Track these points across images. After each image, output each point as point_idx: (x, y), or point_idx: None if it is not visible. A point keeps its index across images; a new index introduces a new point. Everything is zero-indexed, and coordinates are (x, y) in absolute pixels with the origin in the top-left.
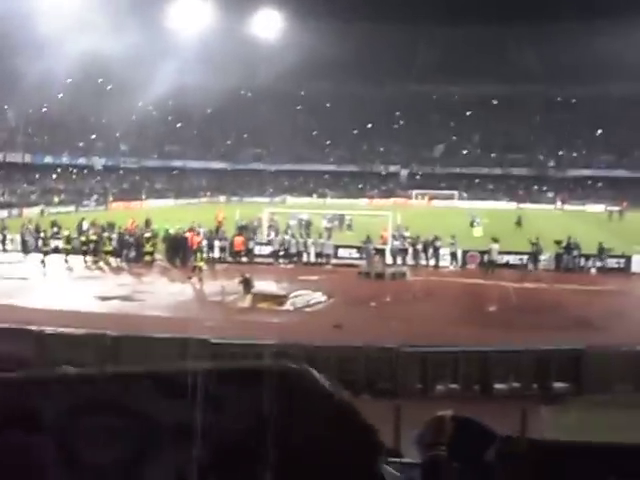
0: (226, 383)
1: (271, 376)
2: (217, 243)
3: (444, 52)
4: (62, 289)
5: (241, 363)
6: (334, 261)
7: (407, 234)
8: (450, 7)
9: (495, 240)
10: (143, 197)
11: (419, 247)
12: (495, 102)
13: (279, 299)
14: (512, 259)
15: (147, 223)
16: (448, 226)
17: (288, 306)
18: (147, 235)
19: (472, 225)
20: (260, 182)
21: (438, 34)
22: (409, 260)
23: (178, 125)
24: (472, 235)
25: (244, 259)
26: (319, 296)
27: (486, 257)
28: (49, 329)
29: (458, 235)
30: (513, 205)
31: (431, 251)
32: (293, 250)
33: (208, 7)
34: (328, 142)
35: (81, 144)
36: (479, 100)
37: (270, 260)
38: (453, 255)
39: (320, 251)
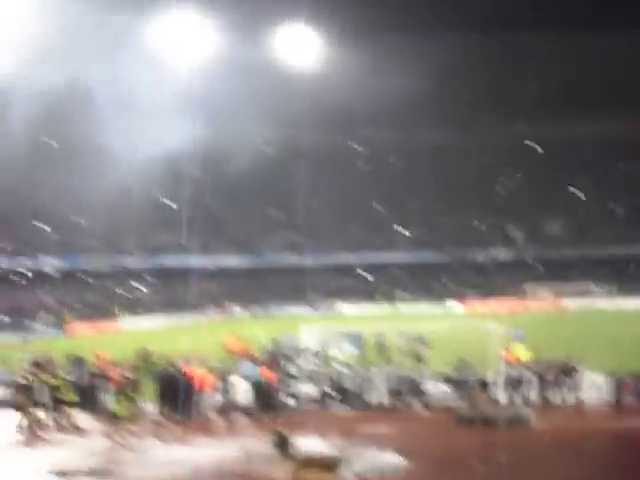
0: None
1: None
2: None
3: (563, 79)
4: None
5: None
6: (415, 401)
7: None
8: None
9: None
10: (120, 314)
11: (547, 375)
12: None
13: (332, 464)
14: None
15: (135, 356)
16: (585, 339)
17: (346, 474)
18: (129, 375)
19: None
20: (297, 284)
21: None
22: (533, 396)
23: (167, 203)
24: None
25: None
26: (392, 458)
27: None
28: None
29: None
30: None
31: (565, 381)
32: (350, 386)
33: (208, 27)
34: (397, 217)
35: (23, 239)
36: (628, 143)
37: (315, 405)
38: (596, 385)
39: (394, 387)
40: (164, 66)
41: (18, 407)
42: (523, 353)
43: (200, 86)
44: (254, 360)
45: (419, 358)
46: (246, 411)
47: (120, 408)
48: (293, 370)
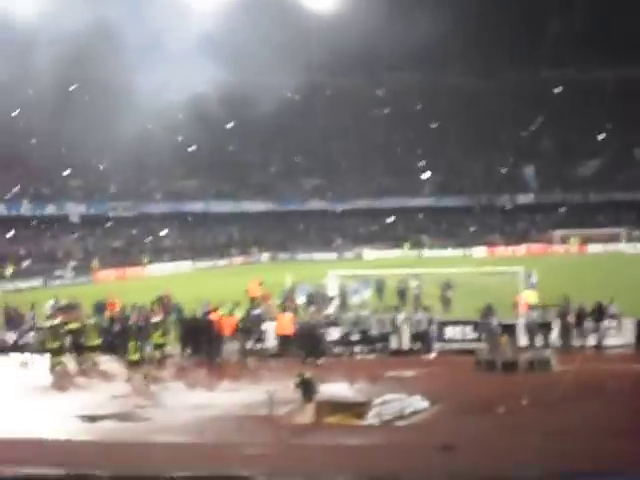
0: None
1: None
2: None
3: (588, 23)
4: (22, 406)
5: None
6: (439, 345)
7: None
8: None
9: None
10: (145, 260)
11: (570, 319)
12: None
13: (357, 409)
14: None
15: (157, 302)
16: (611, 284)
17: (371, 419)
18: (155, 320)
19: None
20: (322, 229)
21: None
22: (554, 339)
23: (191, 149)
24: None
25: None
26: (417, 402)
27: None
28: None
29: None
30: None
31: (589, 325)
32: (375, 332)
33: None
34: (422, 164)
35: (48, 185)
36: None
37: (340, 349)
38: (620, 329)
39: (419, 332)
40: (189, 10)
41: (45, 351)
42: (533, 299)
43: (224, 31)
44: (274, 306)
45: (445, 302)
46: (271, 355)
47: (136, 353)
48: (316, 315)
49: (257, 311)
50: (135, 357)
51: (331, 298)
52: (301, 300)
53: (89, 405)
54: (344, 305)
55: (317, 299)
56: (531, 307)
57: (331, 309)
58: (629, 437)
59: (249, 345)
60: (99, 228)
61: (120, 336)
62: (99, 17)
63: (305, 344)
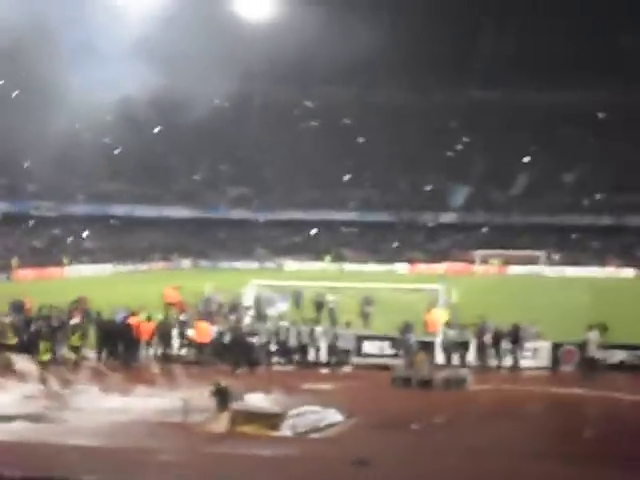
0: None
1: None
2: (175, 332)
3: (518, 46)
4: None
5: None
6: (356, 360)
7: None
8: None
9: (594, 327)
10: (65, 261)
11: (487, 339)
12: (602, 116)
13: (272, 420)
14: (629, 357)
15: (75, 304)
16: (529, 305)
17: (285, 430)
18: (72, 322)
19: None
20: (245, 239)
21: (508, 23)
22: (471, 359)
23: (117, 151)
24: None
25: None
26: (333, 415)
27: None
28: None
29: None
30: (630, 272)
31: (505, 345)
32: (293, 343)
33: None
34: (347, 177)
35: None
36: (579, 112)
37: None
38: (536, 351)
39: (334, 344)
40: (125, 11)
41: None
42: (445, 317)
43: (159, 34)
44: (192, 313)
45: (364, 317)
46: (189, 362)
47: (46, 354)
48: (236, 325)
49: (175, 317)
50: (45, 357)
51: (248, 308)
52: (220, 308)
53: (1, 404)
54: (261, 315)
55: (235, 308)
56: (445, 325)
57: (248, 319)
58: (546, 459)
59: (166, 351)
60: (21, 227)
61: (34, 336)
62: (32, 11)
63: (235, 353)
